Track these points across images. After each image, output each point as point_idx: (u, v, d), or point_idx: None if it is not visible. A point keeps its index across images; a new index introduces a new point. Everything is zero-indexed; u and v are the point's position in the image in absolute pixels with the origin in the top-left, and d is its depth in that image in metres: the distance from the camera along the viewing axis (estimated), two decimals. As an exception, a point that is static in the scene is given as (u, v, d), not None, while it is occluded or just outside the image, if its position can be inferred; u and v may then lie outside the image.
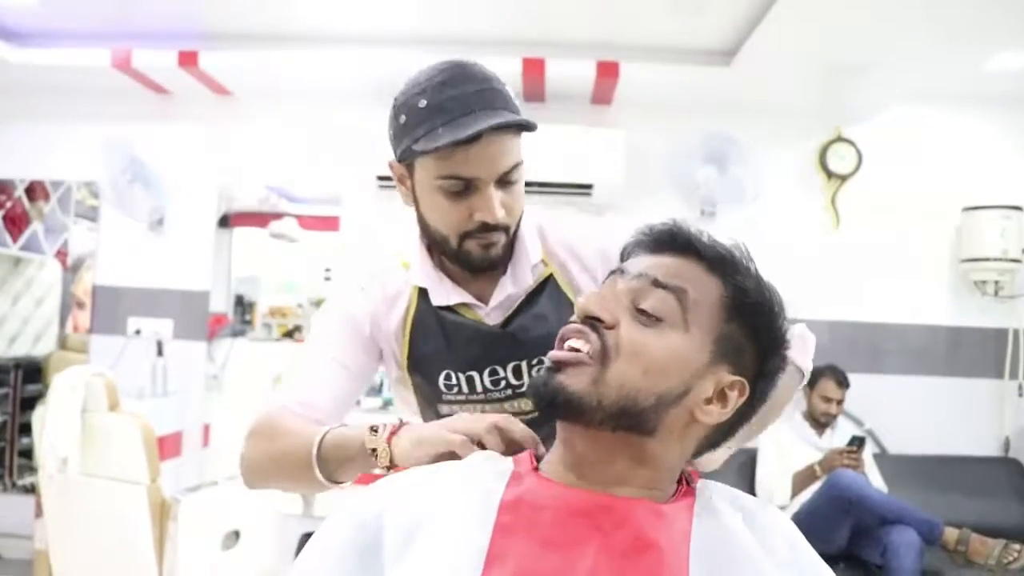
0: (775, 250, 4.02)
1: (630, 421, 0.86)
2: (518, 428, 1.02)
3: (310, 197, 5.44)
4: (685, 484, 0.93)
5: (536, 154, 4.23)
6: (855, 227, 4.09)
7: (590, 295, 0.91)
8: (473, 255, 1.28)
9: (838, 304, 4.08)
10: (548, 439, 0.98)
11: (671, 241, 0.92)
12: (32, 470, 3.94)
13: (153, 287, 4.22)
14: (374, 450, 1.09)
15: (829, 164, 4.08)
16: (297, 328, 6.42)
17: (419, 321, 1.37)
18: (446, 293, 1.35)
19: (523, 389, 1.35)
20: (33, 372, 4.36)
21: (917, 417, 4.02)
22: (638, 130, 3.96)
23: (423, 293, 1.36)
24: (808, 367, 1.34)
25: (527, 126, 1.21)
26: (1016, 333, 4.04)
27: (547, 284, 1.37)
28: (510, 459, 0.95)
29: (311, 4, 3.45)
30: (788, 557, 0.87)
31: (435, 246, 1.33)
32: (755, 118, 4.02)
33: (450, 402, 1.38)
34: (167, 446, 3.81)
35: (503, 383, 1.35)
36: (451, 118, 1.17)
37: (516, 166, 1.24)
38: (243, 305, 6.40)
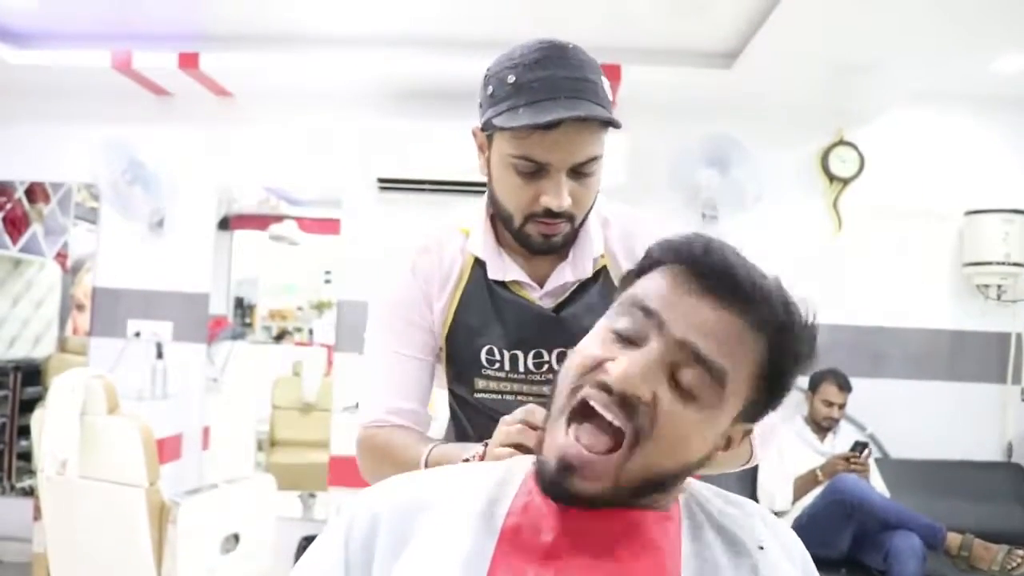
0: (776, 253, 4.03)
1: (650, 490, 0.84)
2: None
3: (310, 200, 5.43)
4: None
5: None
6: (857, 230, 4.08)
7: (628, 368, 0.79)
8: (533, 239, 1.28)
9: (840, 308, 4.06)
10: None
11: (717, 280, 0.82)
12: (31, 473, 3.93)
13: (153, 289, 4.21)
14: None
15: (831, 167, 4.07)
16: (298, 329, 6.41)
17: (470, 291, 1.37)
18: (504, 268, 1.35)
19: None
20: (32, 374, 4.35)
21: (919, 421, 4.01)
22: (639, 133, 3.94)
23: (479, 264, 1.36)
24: (759, 457, 1.29)
25: (611, 122, 1.20)
26: (1019, 337, 4.03)
27: (600, 275, 1.37)
28: (524, 467, 0.92)
29: (312, 6, 3.44)
30: None
31: (500, 221, 1.33)
32: (757, 121, 4.01)
33: (488, 377, 1.38)
34: (167, 449, 3.80)
35: (546, 367, 1.35)
36: (534, 100, 1.17)
37: (593, 159, 1.23)
38: (243, 307, 6.38)
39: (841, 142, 4.08)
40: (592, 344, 0.85)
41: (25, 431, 3.86)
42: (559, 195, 1.21)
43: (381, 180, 3.82)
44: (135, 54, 3.76)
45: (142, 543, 2.83)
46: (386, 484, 0.94)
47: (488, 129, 1.25)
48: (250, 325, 6.50)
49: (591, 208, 1.32)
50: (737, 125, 3.94)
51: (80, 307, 4.30)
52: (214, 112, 4.18)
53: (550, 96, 1.16)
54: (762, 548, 0.85)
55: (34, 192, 4.30)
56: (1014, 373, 4.03)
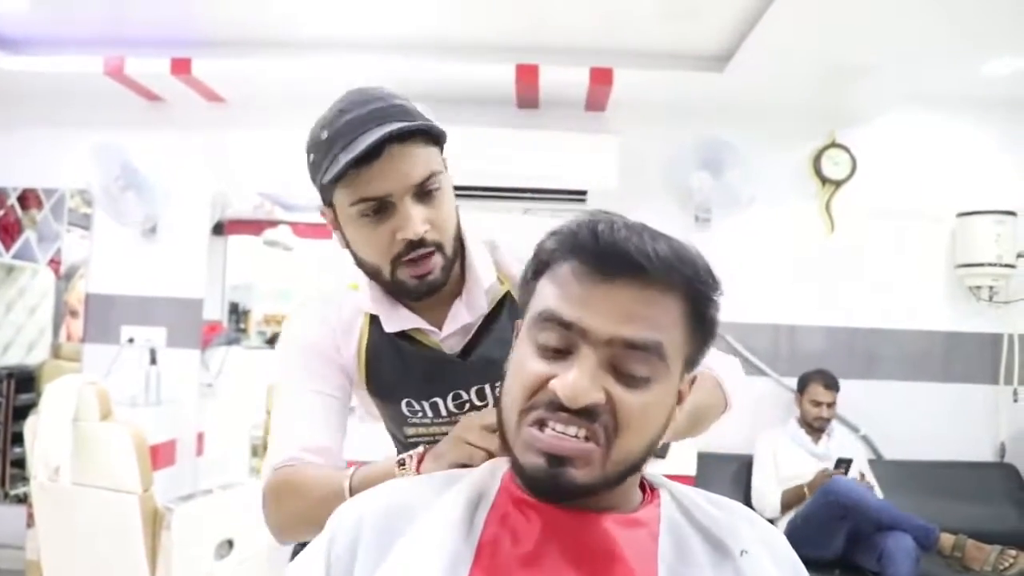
0: (769, 255, 4.06)
1: (629, 475, 0.86)
2: None
3: (305, 204, 5.42)
4: (648, 490, 0.94)
5: (530, 161, 4.23)
6: (849, 232, 4.09)
7: (575, 384, 0.79)
8: (408, 284, 1.22)
9: (833, 310, 4.08)
10: None
11: (615, 263, 0.81)
12: (24, 480, 3.92)
13: (146, 295, 4.20)
14: None
15: (823, 169, 4.08)
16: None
17: (373, 347, 1.32)
18: (399, 319, 1.29)
19: (489, 407, 1.32)
20: (26, 381, 4.34)
21: (912, 422, 4.02)
22: (632, 136, 3.96)
23: (375, 319, 1.31)
24: (737, 401, 1.33)
25: (430, 131, 1.18)
26: (1011, 338, 4.04)
27: (505, 303, 1.32)
28: (499, 475, 0.93)
29: (304, 11, 3.44)
30: None
31: (373, 279, 1.27)
32: (749, 123, 4.02)
33: (415, 424, 1.36)
34: (161, 455, 3.79)
35: (467, 406, 1.32)
36: (349, 141, 1.14)
37: (432, 175, 1.18)
38: (237, 313, 6.38)
39: (833, 144, 4.09)
40: (527, 362, 0.84)
41: (19, 438, 3.85)
42: (411, 222, 1.16)
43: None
44: (127, 59, 3.76)
45: (136, 550, 2.83)
46: (370, 492, 0.95)
47: (327, 197, 1.22)
48: (244, 330, 6.50)
49: (458, 231, 1.26)
50: (730, 128, 3.94)
51: (73, 313, 4.29)
52: (207, 117, 4.17)
53: (361, 131, 1.14)
54: (745, 553, 0.85)
55: (27, 198, 4.29)
56: (1006, 374, 4.04)
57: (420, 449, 1.12)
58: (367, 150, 1.11)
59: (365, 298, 1.30)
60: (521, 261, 1.28)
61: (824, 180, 4.09)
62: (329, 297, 1.36)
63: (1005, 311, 4.03)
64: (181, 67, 3.75)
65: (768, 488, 3.61)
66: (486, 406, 1.32)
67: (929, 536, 3.20)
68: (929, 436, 4.00)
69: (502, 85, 3.80)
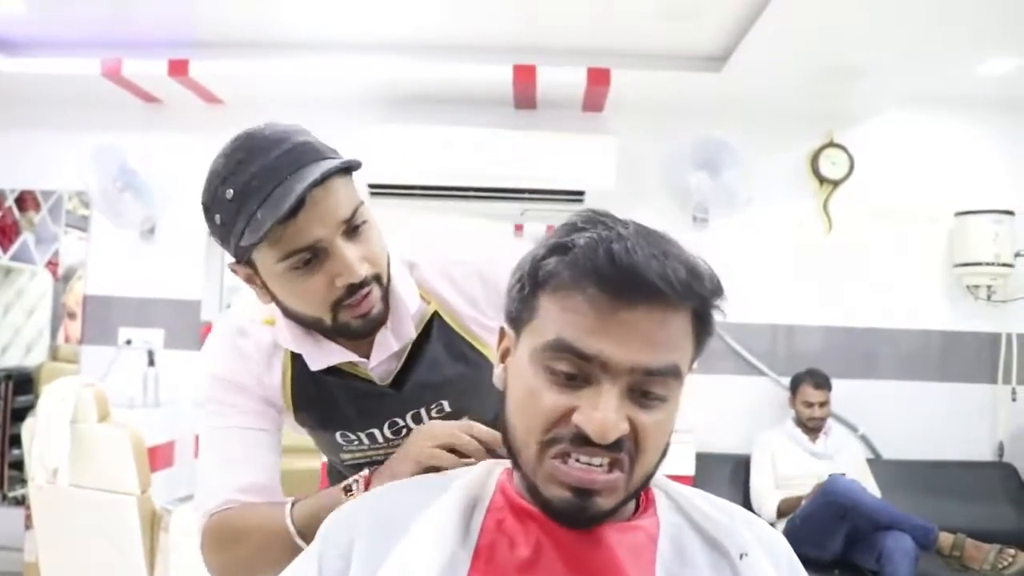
0: (767, 255, 4.06)
1: (645, 486, 0.87)
2: (481, 432, 1.03)
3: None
4: (644, 492, 0.93)
5: (527, 161, 4.24)
6: (847, 232, 4.10)
7: (604, 421, 0.76)
8: (352, 326, 1.15)
9: (831, 309, 4.09)
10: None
11: (634, 288, 0.77)
12: (23, 482, 3.91)
13: (144, 296, 4.20)
14: None
15: (821, 169, 4.08)
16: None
17: (299, 384, 1.25)
18: (324, 355, 1.21)
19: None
20: (24, 383, 4.33)
21: (911, 422, 4.02)
22: (630, 136, 3.97)
23: (297, 355, 1.23)
24: None
25: (349, 167, 1.10)
26: (1009, 338, 4.04)
27: (433, 324, 1.27)
28: (494, 480, 0.93)
29: (302, 12, 3.44)
30: None
31: (312, 328, 1.19)
32: (747, 123, 4.02)
33: (351, 451, 1.33)
34: (159, 456, 3.78)
35: (404, 431, 1.29)
36: (264, 196, 1.04)
37: (357, 209, 1.11)
38: (235, 314, 6.37)
39: (831, 144, 4.09)
40: (543, 393, 0.81)
41: (17, 440, 3.85)
42: (350, 266, 1.09)
43: (372, 186, 3.82)
44: (125, 61, 3.75)
45: (134, 551, 2.83)
46: (362, 497, 0.95)
47: (243, 256, 1.11)
48: (243, 332, 6.48)
49: (388, 258, 1.19)
50: (727, 128, 3.94)
51: (71, 315, 4.29)
52: (204, 119, 4.17)
53: (276, 182, 1.04)
54: (744, 556, 0.85)
55: (25, 200, 4.29)
56: (1004, 373, 4.04)
57: (366, 472, 1.10)
58: (294, 206, 1.02)
59: (284, 335, 1.21)
60: (445, 274, 1.24)
61: (822, 180, 4.09)
62: (244, 329, 1.26)
63: (1003, 310, 4.03)
64: (179, 68, 3.74)
65: (766, 491, 3.61)
66: None
67: (928, 535, 3.20)
68: (928, 435, 4.00)
69: (499, 86, 3.80)
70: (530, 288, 0.84)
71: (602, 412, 0.76)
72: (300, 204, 1.03)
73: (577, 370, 0.79)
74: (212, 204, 1.09)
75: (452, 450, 1.05)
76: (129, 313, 4.20)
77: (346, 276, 1.09)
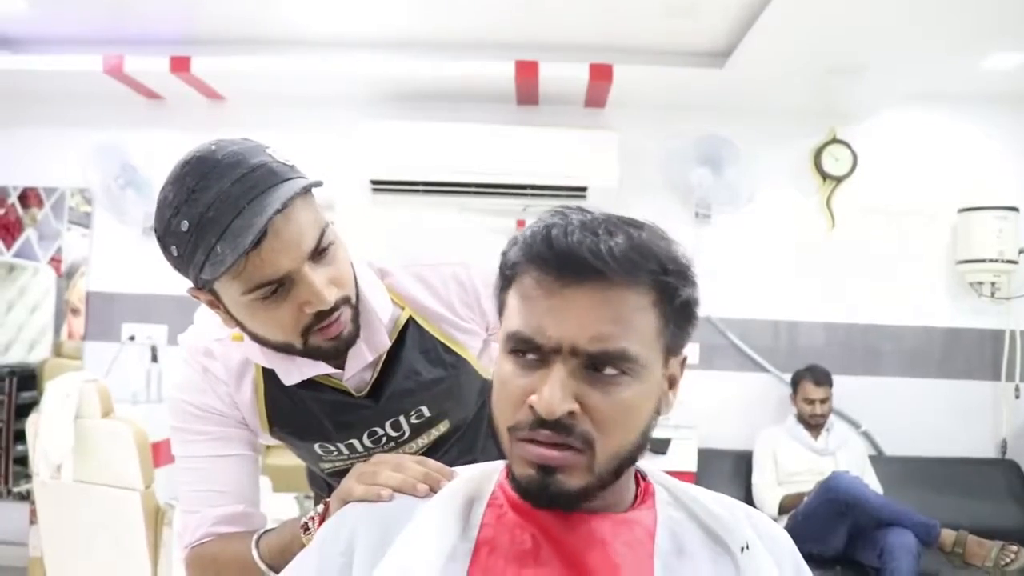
0: (769, 252, 4.06)
1: (623, 471, 0.86)
2: (435, 469, 0.98)
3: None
4: (643, 486, 0.93)
5: (529, 158, 4.23)
6: (850, 229, 4.09)
7: (548, 399, 0.78)
8: (323, 348, 1.11)
9: (833, 306, 4.08)
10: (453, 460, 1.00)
11: (571, 269, 0.79)
12: (27, 477, 3.92)
13: (147, 293, 4.21)
14: None
15: (824, 166, 4.07)
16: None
17: (273, 400, 1.22)
18: (297, 370, 1.17)
19: (406, 437, 1.30)
20: (28, 379, 4.34)
21: (914, 419, 4.02)
22: (632, 133, 3.96)
23: (269, 371, 1.20)
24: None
25: (311, 187, 1.05)
26: (1013, 335, 4.03)
27: (408, 330, 1.25)
28: (493, 479, 0.93)
29: (303, 8, 3.44)
30: None
31: (281, 351, 1.14)
32: (749, 120, 4.02)
33: (331, 461, 1.32)
34: (162, 452, 3.78)
35: (384, 439, 1.28)
36: (223, 229, 0.98)
37: (324, 231, 1.06)
38: (238, 310, 6.38)
39: (834, 140, 4.09)
40: (508, 378, 0.83)
41: (21, 436, 3.86)
42: (319, 293, 1.04)
43: (374, 182, 3.82)
44: (126, 58, 3.76)
45: (138, 546, 2.84)
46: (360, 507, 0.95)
47: (204, 286, 1.06)
48: (245, 328, 6.50)
49: (355, 276, 1.15)
50: (730, 124, 3.95)
51: (75, 311, 4.30)
52: (206, 115, 4.17)
53: (234, 213, 0.98)
54: (745, 549, 0.85)
55: (27, 197, 4.29)
56: (1008, 370, 4.03)
57: (320, 508, 1.08)
58: (257, 238, 0.97)
59: (254, 352, 1.17)
60: (418, 277, 1.23)
61: (825, 176, 4.09)
62: (209, 350, 1.22)
63: (1007, 307, 4.02)
64: (180, 65, 3.75)
65: (768, 487, 3.62)
66: (402, 435, 1.29)
67: (930, 532, 3.20)
68: (930, 432, 4.00)
69: (502, 82, 3.80)
70: (502, 284, 0.87)
71: (548, 390, 0.78)
72: (262, 236, 0.97)
73: (535, 354, 0.81)
74: (165, 235, 1.02)
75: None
76: (132, 309, 4.21)
77: (315, 303, 1.05)
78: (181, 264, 1.03)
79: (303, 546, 1.03)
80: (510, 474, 0.85)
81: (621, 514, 0.87)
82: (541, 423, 0.79)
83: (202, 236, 0.98)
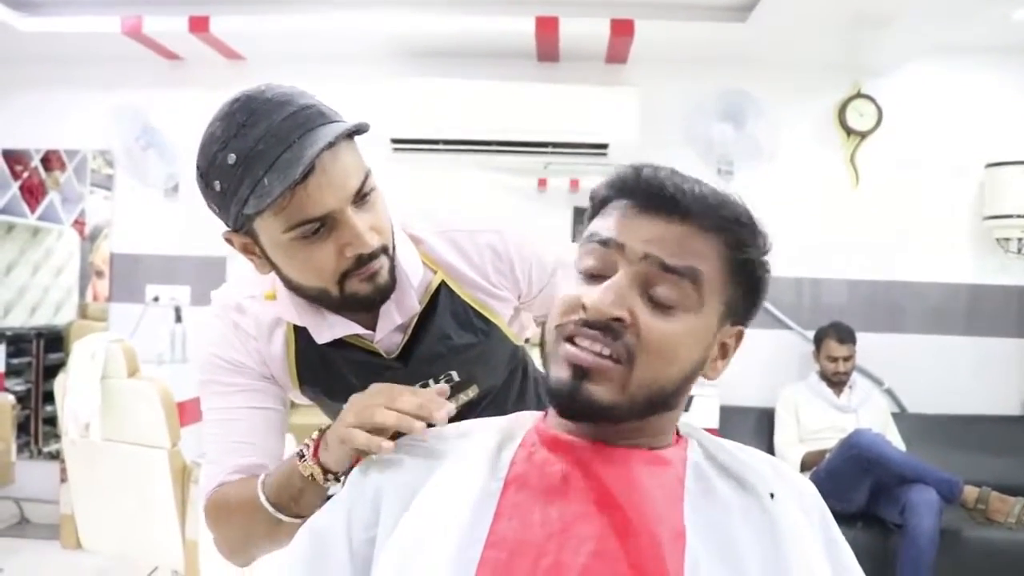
0: (792, 208, 4.02)
1: (657, 407, 0.87)
2: (429, 399, 0.99)
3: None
4: (677, 436, 0.95)
5: (550, 115, 4.18)
6: (875, 185, 4.04)
7: (600, 297, 0.82)
8: (360, 294, 1.10)
9: (857, 262, 4.05)
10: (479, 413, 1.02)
11: (657, 199, 0.85)
12: (56, 437, 3.99)
13: (170, 254, 4.24)
14: (312, 475, 1.06)
15: (848, 121, 4.01)
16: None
17: (304, 358, 1.23)
18: (329, 328, 1.18)
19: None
20: (55, 341, 4.41)
21: (937, 376, 4.00)
22: (653, 88, 3.91)
23: (301, 328, 1.20)
24: None
25: (358, 130, 1.06)
26: (1038, 291, 3.99)
27: (440, 294, 1.24)
28: (525, 425, 0.95)
29: (321, -35, 3.41)
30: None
31: (316, 300, 1.14)
32: (772, 74, 3.96)
33: None
34: (188, 411, 3.83)
35: None
36: (271, 161, 0.99)
37: (366, 177, 1.07)
38: (260, 271, 6.42)
39: (858, 95, 4.02)
40: (568, 288, 0.88)
41: (50, 397, 3.92)
42: (361, 236, 1.04)
43: (395, 140, 3.80)
44: (145, 19, 3.74)
45: (165, 503, 2.88)
46: (400, 441, 0.96)
47: (243, 225, 1.06)
48: (268, 288, 6.54)
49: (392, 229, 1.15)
50: (752, 79, 3.89)
51: (99, 273, 4.34)
52: (226, 76, 4.16)
53: (285, 145, 0.99)
54: (774, 496, 0.86)
55: (50, 160, 4.31)
56: (1033, 327, 4.00)
57: (315, 435, 1.08)
58: (306, 171, 0.98)
59: (287, 309, 1.18)
60: (451, 242, 1.23)
61: (849, 132, 4.03)
62: (241, 306, 1.23)
63: (1033, 263, 3.97)
64: (199, 25, 3.73)
65: (790, 444, 3.62)
66: None
67: (953, 489, 3.19)
68: (953, 389, 3.98)
69: (522, 38, 3.76)
70: (589, 216, 0.93)
71: (601, 290, 0.83)
72: (310, 170, 0.98)
73: (601, 263, 0.86)
74: (210, 170, 1.04)
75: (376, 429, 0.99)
76: (156, 271, 4.24)
77: (356, 246, 1.05)
78: (224, 200, 1.04)
79: (300, 476, 1.06)
80: (547, 383, 0.87)
81: (653, 451, 0.88)
82: (586, 323, 0.82)
83: (249, 169, 1.00)
